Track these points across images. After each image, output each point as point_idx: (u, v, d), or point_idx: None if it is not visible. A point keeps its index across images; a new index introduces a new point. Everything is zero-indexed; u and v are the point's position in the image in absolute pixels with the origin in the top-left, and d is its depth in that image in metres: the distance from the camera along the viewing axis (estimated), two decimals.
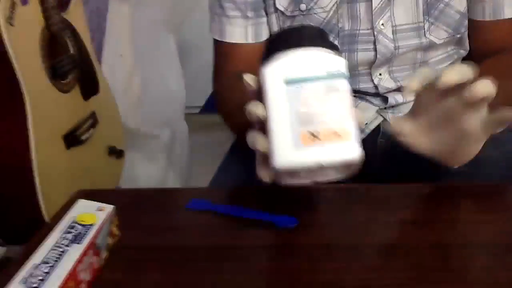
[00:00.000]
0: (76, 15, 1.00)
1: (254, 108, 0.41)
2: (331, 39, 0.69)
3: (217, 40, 0.75)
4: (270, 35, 0.74)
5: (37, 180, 0.84)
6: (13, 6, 0.80)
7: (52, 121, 0.90)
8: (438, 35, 0.69)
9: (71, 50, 0.98)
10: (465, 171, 0.55)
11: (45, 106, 0.88)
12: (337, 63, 0.40)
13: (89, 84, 1.04)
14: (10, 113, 0.83)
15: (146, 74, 1.79)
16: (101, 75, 1.10)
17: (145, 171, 1.57)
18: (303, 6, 0.68)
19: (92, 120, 1.03)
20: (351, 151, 0.39)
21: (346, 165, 0.40)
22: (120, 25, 1.70)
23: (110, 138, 1.13)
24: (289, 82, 0.39)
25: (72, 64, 0.98)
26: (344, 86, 0.40)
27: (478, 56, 0.75)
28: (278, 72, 0.40)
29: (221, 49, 0.76)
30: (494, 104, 0.48)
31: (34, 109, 0.83)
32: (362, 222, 0.51)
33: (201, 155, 1.79)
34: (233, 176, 0.70)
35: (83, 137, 0.99)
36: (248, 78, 0.43)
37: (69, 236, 0.45)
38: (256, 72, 0.44)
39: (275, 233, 0.49)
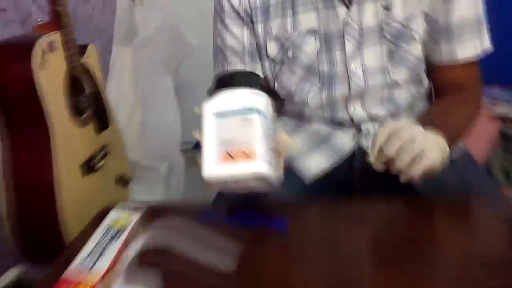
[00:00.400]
0: (92, 60, 1.14)
1: (195, 133, 0.58)
2: (314, 79, 0.85)
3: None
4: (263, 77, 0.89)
5: (59, 204, 0.96)
6: (43, 52, 0.94)
7: (72, 152, 1.02)
8: (400, 76, 0.84)
9: (87, 90, 1.11)
10: (428, 191, 0.70)
11: (66, 139, 1.00)
12: (254, 101, 0.55)
13: (102, 120, 1.17)
14: (37, 144, 0.96)
15: (146, 111, 1.92)
16: (110, 112, 1.24)
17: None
18: (290, 54, 0.84)
19: (104, 151, 1.16)
20: (256, 167, 0.52)
21: (261, 179, 0.54)
22: (122, 65, 1.84)
23: (118, 168, 1.25)
24: (217, 114, 0.55)
25: (88, 102, 1.11)
26: (256, 119, 0.54)
27: (440, 93, 0.90)
28: (210, 107, 0.56)
29: None
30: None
31: (57, 141, 0.96)
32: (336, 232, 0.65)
33: (196, 189, 1.91)
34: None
35: (96, 167, 1.11)
36: (197, 110, 0.59)
37: (108, 236, 0.58)
38: None
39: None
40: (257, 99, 0.56)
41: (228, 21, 0.87)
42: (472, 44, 0.85)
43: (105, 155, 1.16)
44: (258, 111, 0.55)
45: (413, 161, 0.65)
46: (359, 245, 0.61)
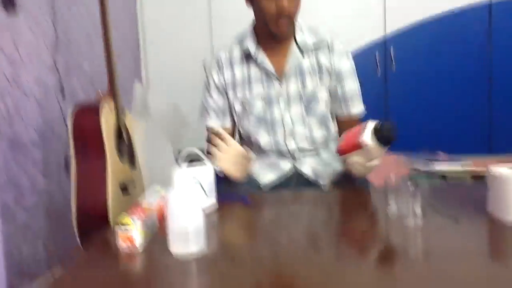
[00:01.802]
0: (128, 120, 1.73)
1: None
2: (263, 126, 1.48)
3: (206, 126, 1.55)
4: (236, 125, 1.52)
5: (109, 207, 1.49)
6: (106, 110, 1.53)
7: (116, 176, 1.57)
8: (313, 122, 1.47)
9: (125, 139, 1.69)
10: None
11: (114, 167, 1.55)
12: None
13: (132, 161, 1.74)
14: (97, 168, 1.50)
15: (153, 172, 2.47)
16: (137, 157, 1.80)
17: None
18: (247, 109, 1.47)
19: (134, 183, 1.71)
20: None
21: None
22: (137, 135, 2.43)
23: (139, 195, 1.79)
24: None
25: (125, 146, 1.68)
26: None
27: (340, 133, 1.53)
28: None
29: (207, 131, 1.55)
30: None
31: (110, 167, 1.51)
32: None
33: None
34: None
35: (129, 191, 1.65)
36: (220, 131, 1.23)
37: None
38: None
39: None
40: None
41: (211, 91, 1.50)
42: (359, 105, 1.49)
43: (134, 186, 1.71)
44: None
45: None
46: (294, 214, 1.18)
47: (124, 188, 1.61)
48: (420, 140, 2.93)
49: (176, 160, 1.13)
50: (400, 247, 0.96)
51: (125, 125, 1.69)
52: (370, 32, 2.99)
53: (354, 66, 1.52)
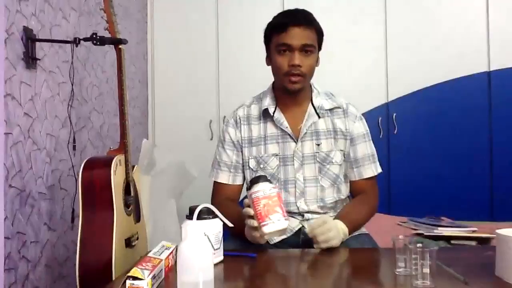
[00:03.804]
0: (136, 175, 1.76)
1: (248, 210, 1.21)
2: (275, 184, 1.48)
3: (214, 181, 1.55)
4: (245, 181, 1.53)
5: (113, 262, 1.48)
6: (116, 165, 1.56)
7: (122, 230, 1.57)
8: (325, 183, 1.48)
9: (132, 193, 1.71)
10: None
11: (120, 220, 1.56)
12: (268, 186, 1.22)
13: (137, 215, 1.75)
14: (104, 220, 1.51)
15: (155, 224, 2.47)
16: (142, 211, 1.81)
17: None
18: (262, 166, 1.48)
19: (137, 235, 1.71)
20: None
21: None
22: (142, 189, 2.45)
23: (142, 251, 1.78)
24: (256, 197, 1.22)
25: (132, 201, 1.70)
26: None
27: (353, 196, 1.54)
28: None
29: (215, 186, 1.56)
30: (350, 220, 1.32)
31: (116, 220, 1.52)
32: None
33: None
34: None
35: (132, 244, 1.65)
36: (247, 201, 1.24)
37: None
38: (230, 197, 1.40)
39: None
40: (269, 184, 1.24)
41: (226, 146, 1.53)
42: (371, 169, 1.51)
43: (137, 238, 1.71)
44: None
45: (325, 242, 1.27)
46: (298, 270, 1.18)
47: (128, 241, 1.61)
48: (422, 204, 2.94)
49: (189, 214, 1.14)
50: None
51: (133, 179, 1.72)
52: (374, 99, 3.09)
53: (368, 129, 1.56)
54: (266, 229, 1.20)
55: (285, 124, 1.50)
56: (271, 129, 1.52)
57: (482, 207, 3.04)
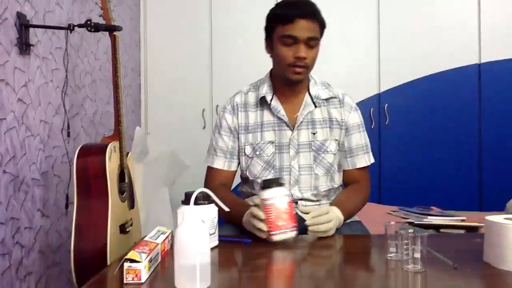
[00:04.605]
0: (130, 162, 1.76)
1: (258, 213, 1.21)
2: (270, 170, 1.50)
3: (208, 167, 1.56)
4: (239, 166, 1.55)
5: (108, 248, 1.49)
6: (111, 152, 1.57)
7: (117, 216, 1.58)
8: (319, 171, 1.50)
9: (126, 180, 1.71)
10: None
11: (115, 206, 1.57)
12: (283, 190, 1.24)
13: (131, 201, 1.76)
14: (98, 207, 1.52)
15: (148, 212, 2.48)
16: (136, 198, 1.82)
17: None
18: (257, 153, 1.50)
19: (131, 222, 1.72)
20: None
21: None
22: (135, 176, 2.45)
23: (136, 237, 1.79)
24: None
25: (126, 187, 1.70)
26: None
27: (346, 185, 1.56)
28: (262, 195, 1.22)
29: (210, 171, 1.57)
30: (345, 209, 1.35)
31: (111, 207, 1.53)
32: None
33: None
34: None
35: (127, 230, 1.66)
36: (257, 201, 1.25)
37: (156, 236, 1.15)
38: (223, 182, 1.44)
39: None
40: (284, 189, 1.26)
41: (222, 132, 1.54)
42: (364, 159, 1.54)
43: (131, 224, 1.72)
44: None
45: (324, 233, 1.30)
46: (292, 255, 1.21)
47: (122, 227, 1.62)
48: (411, 194, 2.99)
49: (184, 199, 1.16)
50: None
51: (127, 166, 1.72)
52: (366, 89, 3.11)
53: (363, 120, 1.59)
54: (275, 238, 1.22)
55: (282, 112, 1.52)
56: (267, 116, 1.53)
57: (471, 197, 3.09)
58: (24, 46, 1.68)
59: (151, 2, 3.27)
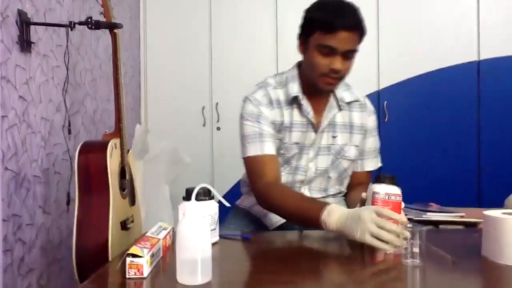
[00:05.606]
0: (130, 159, 1.77)
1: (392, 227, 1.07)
2: (287, 167, 1.50)
3: (252, 158, 1.42)
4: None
5: (110, 244, 1.50)
6: (112, 148, 1.57)
7: (118, 213, 1.59)
8: (333, 175, 1.51)
9: (127, 177, 1.72)
10: None
11: (116, 203, 1.58)
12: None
13: (132, 198, 1.77)
14: (100, 203, 1.53)
15: (148, 209, 2.49)
16: (137, 194, 1.83)
17: None
18: (281, 152, 1.48)
19: (132, 218, 1.73)
20: None
21: None
22: (136, 173, 2.46)
23: (137, 233, 1.80)
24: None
25: (127, 184, 1.71)
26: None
27: (351, 186, 1.57)
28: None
29: (257, 162, 1.41)
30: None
31: (112, 203, 1.54)
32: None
33: None
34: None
35: (128, 226, 1.67)
36: (364, 194, 1.20)
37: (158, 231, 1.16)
38: (278, 175, 1.37)
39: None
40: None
41: (262, 120, 1.45)
42: (373, 162, 1.55)
43: (132, 221, 1.73)
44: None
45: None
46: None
47: (123, 224, 1.63)
48: (410, 191, 2.99)
49: (185, 195, 1.17)
50: (399, 285, 0.99)
51: (128, 163, 1.73)
52: (365, 86, 3.12)
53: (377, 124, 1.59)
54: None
55: (312, 114, 1.48)
56: (296, 116, 1.49)
57: (470, 194, 3.10)
58: (25, 43, 1.69)
59: (151, 0, 3.27)
